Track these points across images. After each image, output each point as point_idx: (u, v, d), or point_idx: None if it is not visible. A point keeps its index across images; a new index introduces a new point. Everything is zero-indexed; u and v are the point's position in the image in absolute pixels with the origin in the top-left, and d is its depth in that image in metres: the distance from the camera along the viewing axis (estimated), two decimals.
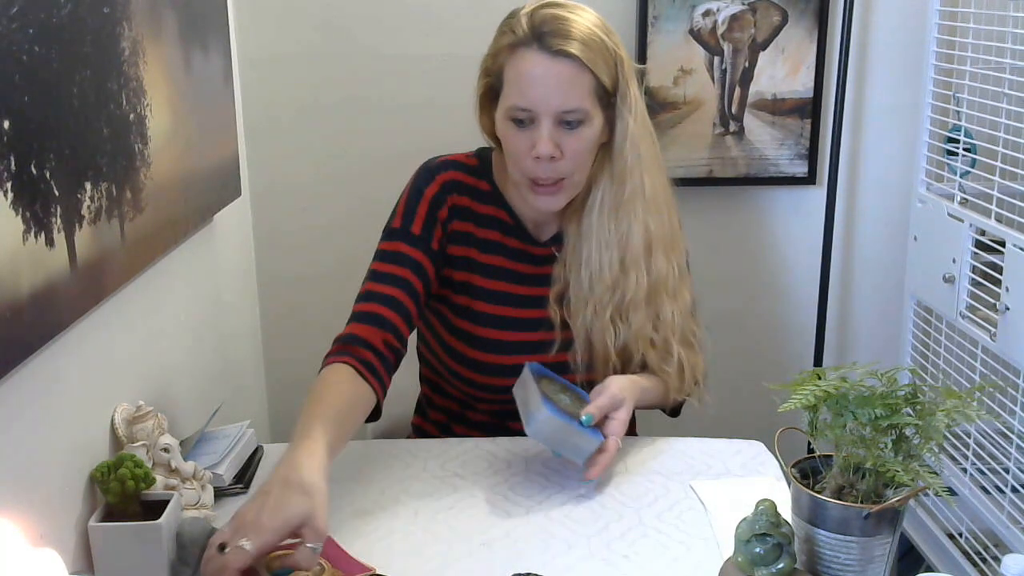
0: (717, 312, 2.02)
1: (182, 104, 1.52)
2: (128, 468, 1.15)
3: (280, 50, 2.14)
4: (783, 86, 2.20)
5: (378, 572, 1.16)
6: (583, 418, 1.35)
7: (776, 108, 2.21)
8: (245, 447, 1.45)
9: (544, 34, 1.36)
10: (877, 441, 1.07)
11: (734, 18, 2.15)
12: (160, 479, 1.22)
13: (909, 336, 2.16)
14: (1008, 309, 1.73)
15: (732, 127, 2.22)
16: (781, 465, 1.22)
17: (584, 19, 1.39)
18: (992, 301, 1.80)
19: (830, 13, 2.16)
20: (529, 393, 1.37)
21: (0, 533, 0.96)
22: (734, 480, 1.41)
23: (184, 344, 1.64)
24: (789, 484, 1.14)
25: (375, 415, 1.39)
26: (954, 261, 1.90)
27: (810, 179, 2.26)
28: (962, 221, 1.88)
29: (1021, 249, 1.69)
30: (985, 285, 1.84)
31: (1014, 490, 1.78)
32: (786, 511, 1.11)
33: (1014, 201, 1.73)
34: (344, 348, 1.37)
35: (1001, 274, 1.75)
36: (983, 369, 1.86)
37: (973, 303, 1.88)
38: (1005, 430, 1.80)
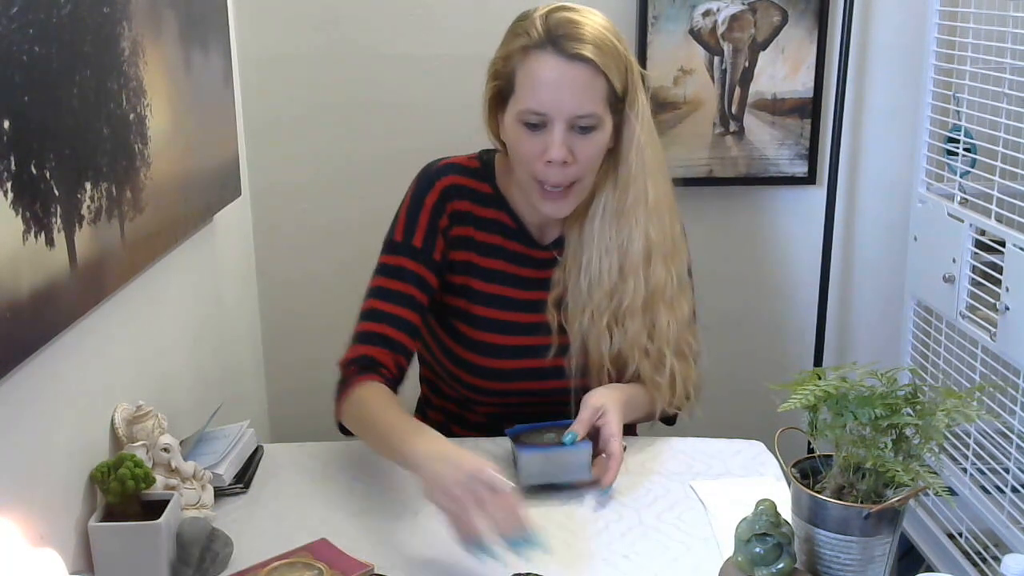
0: (717, 312, 2.02)
1: (182, 104, 1.52)
2: (128, 468, 1.15)
3: (280, 50, 2.14)
4: (783, 86, 2.20)
5: (377, 572, 1.17)
6: (566, 438, 1.36)
7: (776, 108, 2.21)
8: (245, 447, 1.45)
9: (559, 37, 1.35)
10: (877, 441, 1.07)
11: (734, 18, 2.15)
12: (160, 479, 1.22)
13: (909, 336, 2.16)
14: (1008, 309, 1.73)
15: (732, 127, 2.22)
16: (781, 465, 1.22)
17: (598, 24, 1.38)
18: (992, 301, 1.80)
19: (830, 13, 2.16)
20: (512, 453, 1.40)
21: (0, 533, 0.96)
22: (734, 480, 1.41)
23: (184, 344, 1.64)
24: (789, 484, 1.14)
25: None
26: (954, 261, 1.90)
27: (810, 179, 2.26)
28: (962, 221, 1.88)
29: (1021, 249, 1.69)
30: (985, 285, 1.83)
31: (1014, 490, 1.78)
32: (786, 511, 1.11)
33: (1014, 201, 1.73)
34: (368, 368, 1.42)
35: (1001, 274, 1.75)
36: (983, 369, 1.86)
37: (973, 303, 1.88)
38: (1005, 430, 1.80)
